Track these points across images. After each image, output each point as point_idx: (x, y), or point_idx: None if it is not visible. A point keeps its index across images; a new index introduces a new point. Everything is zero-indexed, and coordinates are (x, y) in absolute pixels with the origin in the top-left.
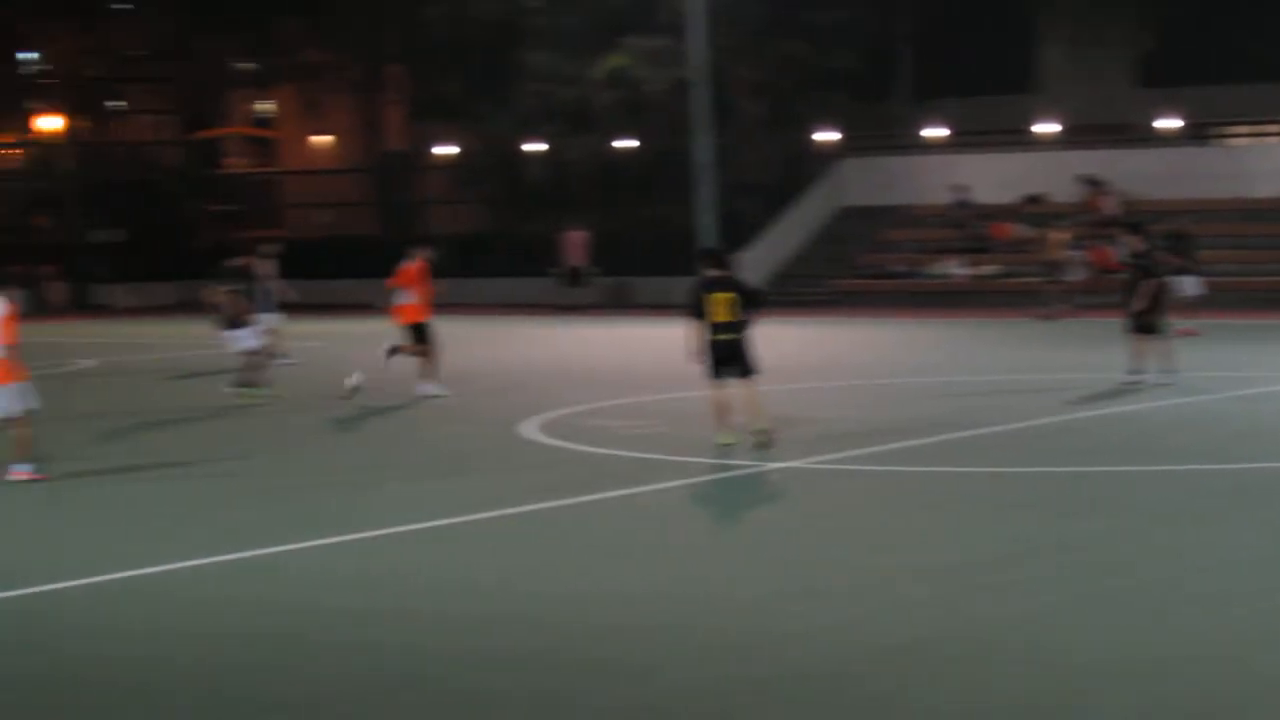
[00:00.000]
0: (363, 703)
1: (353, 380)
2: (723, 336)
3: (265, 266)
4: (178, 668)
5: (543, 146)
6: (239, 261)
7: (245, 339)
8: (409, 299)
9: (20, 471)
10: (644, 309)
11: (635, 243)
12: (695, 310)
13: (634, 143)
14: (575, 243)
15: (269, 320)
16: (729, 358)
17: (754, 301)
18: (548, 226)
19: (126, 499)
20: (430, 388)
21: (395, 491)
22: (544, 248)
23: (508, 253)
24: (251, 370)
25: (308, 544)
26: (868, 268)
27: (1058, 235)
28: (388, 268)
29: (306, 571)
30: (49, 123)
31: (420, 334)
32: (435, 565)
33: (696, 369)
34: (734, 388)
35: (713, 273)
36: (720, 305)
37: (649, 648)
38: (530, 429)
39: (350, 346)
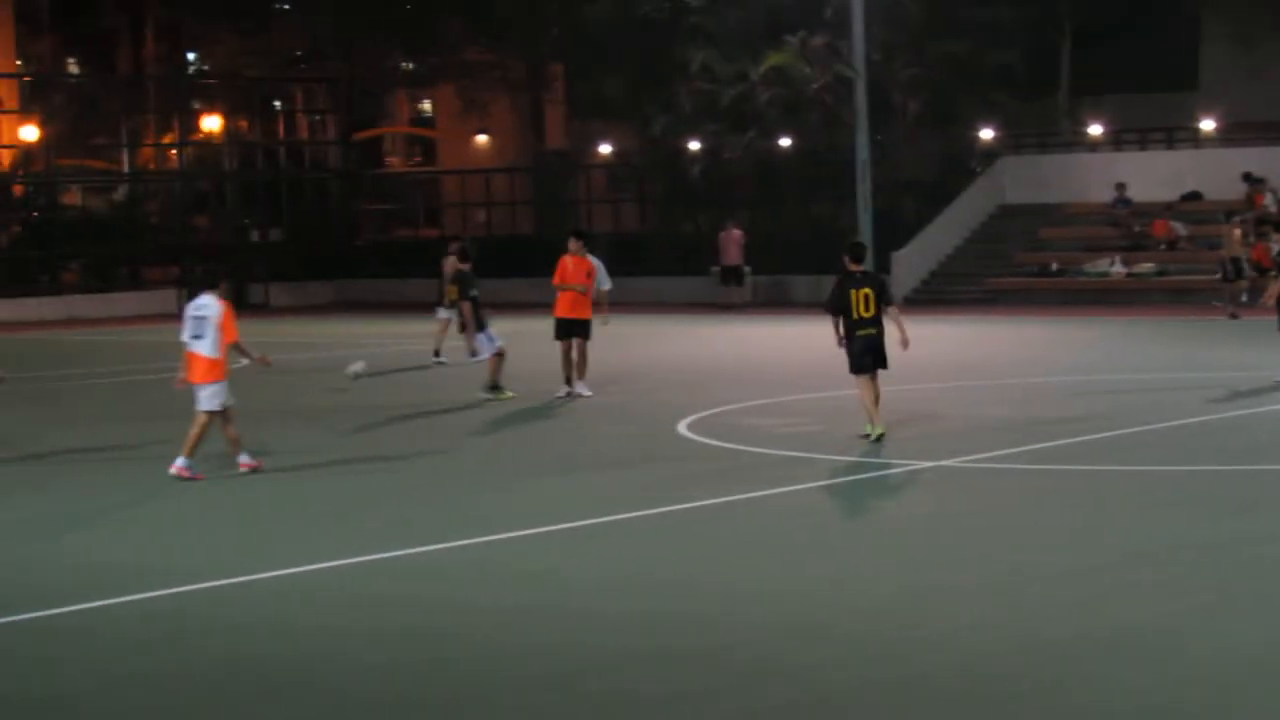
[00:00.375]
0: (509, 701)
1: (355, 368)
2: (863, 331)
3: (449, 264)
4: (334, 665)
5: (702, 145)
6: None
7: (490, 342)
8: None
9: (245, 462)
10: (800, 308)
11: (792, 241)
12: (835, 305)
13: (792, 141)
14: (732, 241)
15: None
16: (869, 352)
17: (888, 299)
18: (705, 225)
19: (287, 497)
20: (582, 388)
21: (553, 489)
22: (702, 246)
23: (666, 252)
24: (497, 371)
25: (467, 542)
26: (1025, 266)
27: (1237, 231)
28: (545, 267)
29: (466, 569)
30: (210, 123)
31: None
32: (591, 564)
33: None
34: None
35: (854, 268)
36: (860, 300)
37: (800, 647)
38: (686, 427)
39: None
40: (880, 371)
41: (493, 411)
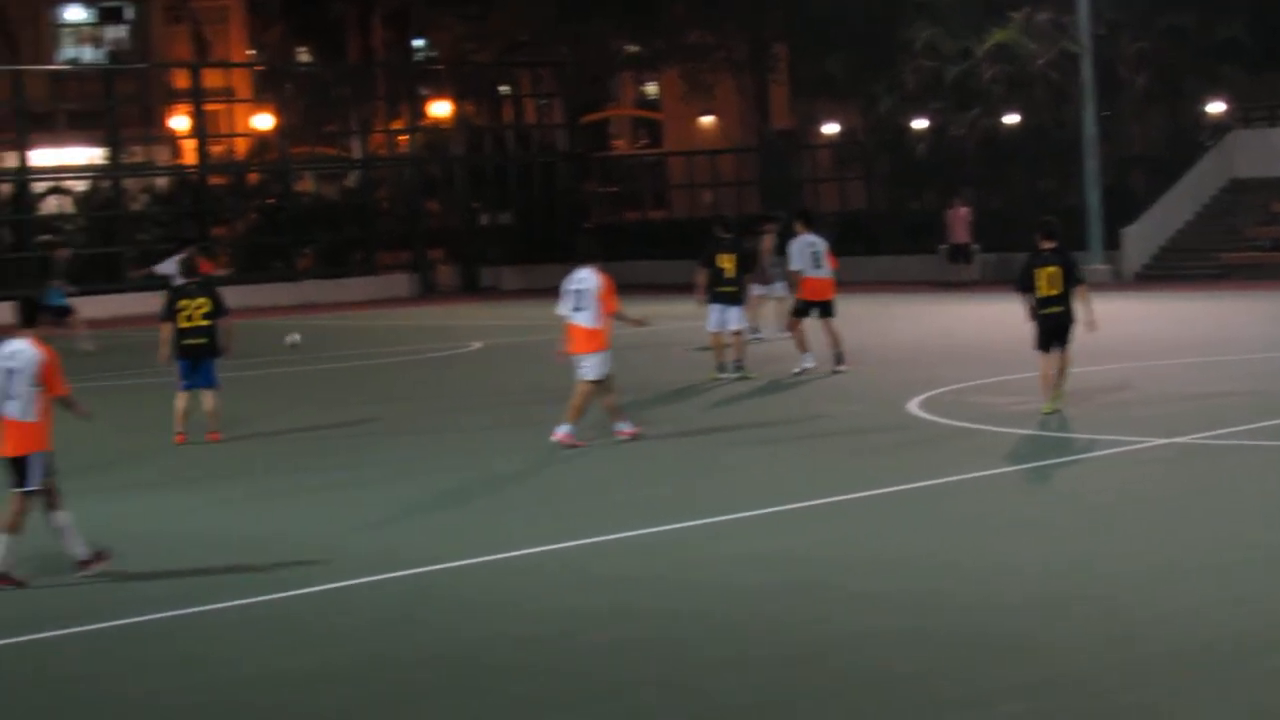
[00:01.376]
0: (757, 679)
1: (291, 338)
2: (1049, 310)
3: (766, 242)
4: (567, 645)
5: (927, 123)
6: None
7: (737, 319)
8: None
9: (623, 430)
10: None
11: (1019, 218)
12: (1023, 283)
13: (1018, 118)
14: (960, 219)
15: (765, 292)
16: (1055, 330)
17: (1076, 277)
18: (932, 203)
19: (516, 479)
20: (809, 360)
21: (785, 467)
22: (929, 225)
23: (893, 230)
24: (741, 350)
25: (694, 523)
26: (1258, 241)
27: None
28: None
29: (692, 549)
30: (438, 108)
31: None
32: (829, 542)
33: (1076, 345)
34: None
35: (1045, 246)
36: (1045, 278)
37: (1038, 625)
38: (917, 405)
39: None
40: (1113, 350)
41: (729, 390)
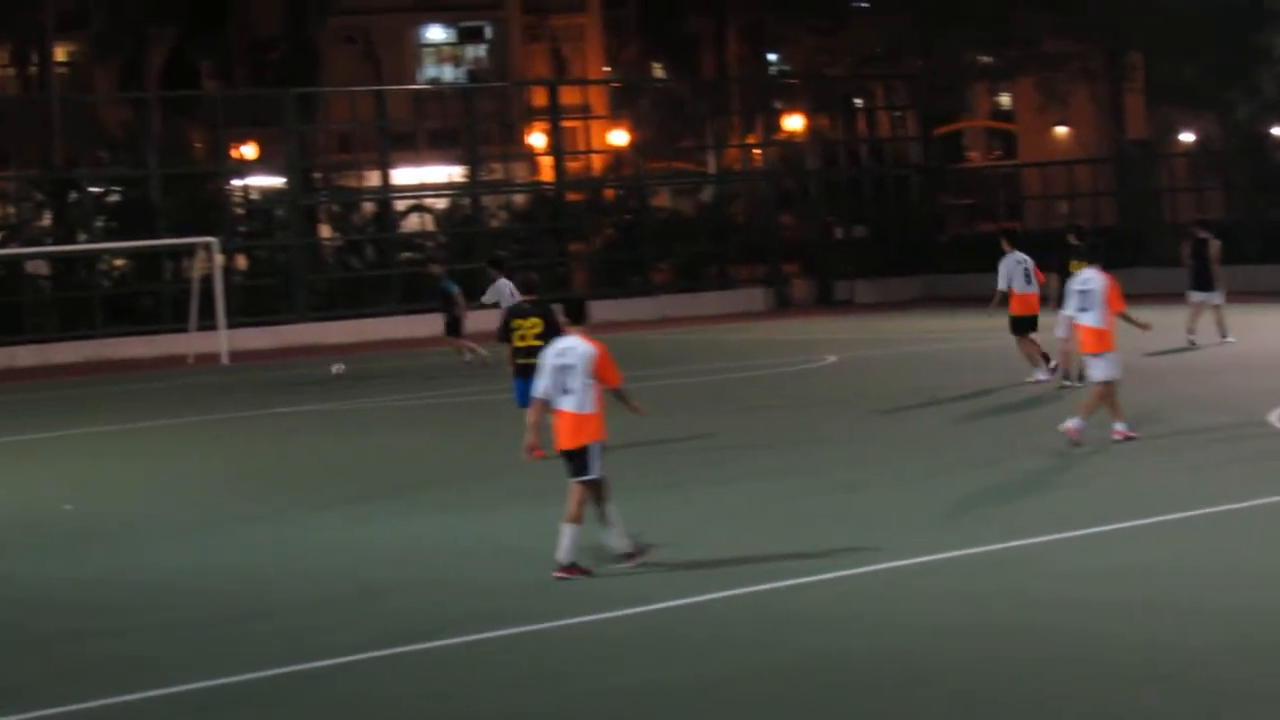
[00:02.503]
0: (1113, 696)
1: (337, 368)
2: None
3: (1215, 249)
4: (940, 661)
5: None
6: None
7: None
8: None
9: (1120, 430)
10: None
11: None
12: None
13: None
14: None
15: (1206, 299)
16: None
17: None
18: None
19: (871, 492)
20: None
21: (1132, 481)
22: None
23: (1252, 239)
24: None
25: (1055, 537)
26: None
27: None
28: (1131, 258)
29: (1049, 563)
30: (792, 122)
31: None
32: (1183, 557)
33: None
34: None
35: None
36: None
37: None
38: (1277, 418)
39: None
40: None
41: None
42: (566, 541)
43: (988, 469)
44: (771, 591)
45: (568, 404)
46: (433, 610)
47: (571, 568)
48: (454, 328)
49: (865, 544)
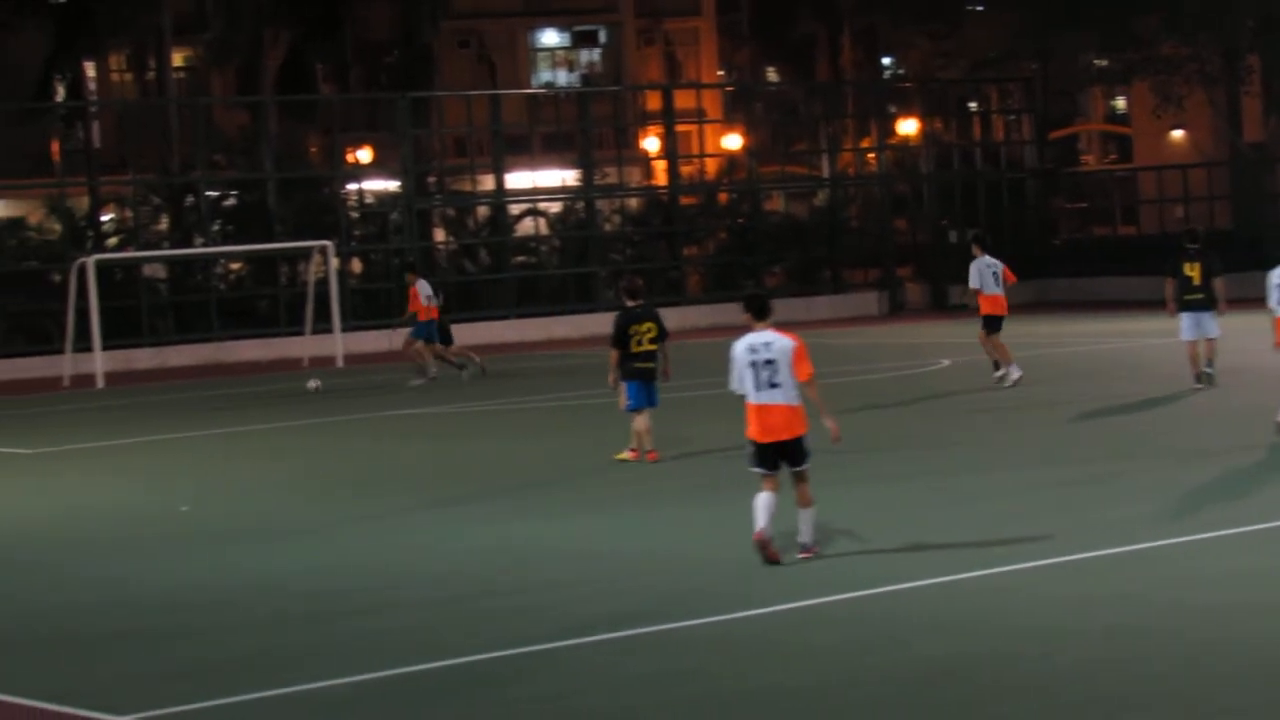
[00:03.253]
0: (1226, 702)
1: (313, 383)
2: None
3: None
4: (1040, 664)
5: None
6: None
7: (1212, 326)
8: None
9: None
10: None
11: None
12: None
13: None
14: None
15: None
16: None
17: None
18: None
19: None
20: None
21: (1237, 485)
22: None
23: None
24: (1212, 354)
25: (1174, 540)
26: None
27: None
28: (1246, 262)
29: (1168, 565)
30: (906, 126)
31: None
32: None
33: None
34: None
35: None
36: None
37: None
38: None
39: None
40: None
41: (1198, 400)
42: (807, 525)
43: (1124, 469)
44: (909, 591)
45: (779, 397)
46: (557, 610)
47: (813, 546)
48: (444, 336)
49: (1039, 534)
